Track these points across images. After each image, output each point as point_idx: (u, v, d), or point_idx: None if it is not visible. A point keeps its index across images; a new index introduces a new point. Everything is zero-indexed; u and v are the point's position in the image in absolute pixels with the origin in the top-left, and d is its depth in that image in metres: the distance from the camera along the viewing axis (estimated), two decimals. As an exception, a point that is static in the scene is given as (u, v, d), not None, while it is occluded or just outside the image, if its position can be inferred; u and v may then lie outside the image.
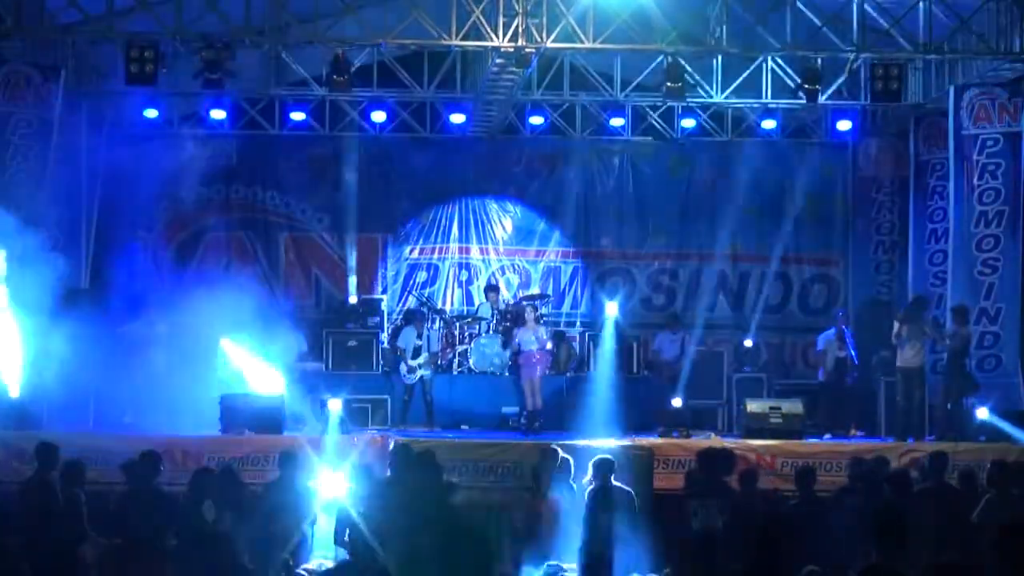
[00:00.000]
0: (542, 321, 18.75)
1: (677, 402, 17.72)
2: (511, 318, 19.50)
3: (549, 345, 18.33)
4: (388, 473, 12.64)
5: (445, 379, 18.88)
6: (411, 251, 21.72)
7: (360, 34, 17.55)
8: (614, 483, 12.68)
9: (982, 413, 16.94)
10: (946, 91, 18.64)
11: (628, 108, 20.84)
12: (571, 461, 13.26)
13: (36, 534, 11.48)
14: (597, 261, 21.98)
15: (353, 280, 21.28)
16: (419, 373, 18.22)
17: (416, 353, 18.30)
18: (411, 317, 19.33)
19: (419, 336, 18.44)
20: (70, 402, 16.50)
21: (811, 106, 19.47)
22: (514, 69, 17.52)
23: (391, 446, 15.20)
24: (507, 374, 18.88)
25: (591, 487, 12.53)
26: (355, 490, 12.03)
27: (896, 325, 17.46)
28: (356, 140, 21.24)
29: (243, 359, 17.82)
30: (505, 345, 18.94)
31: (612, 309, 19.51)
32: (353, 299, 20.54)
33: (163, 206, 21.10)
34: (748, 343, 19.88)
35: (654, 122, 21.30)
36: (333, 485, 12.49)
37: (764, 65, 19.03)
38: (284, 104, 20.58)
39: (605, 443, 16.47)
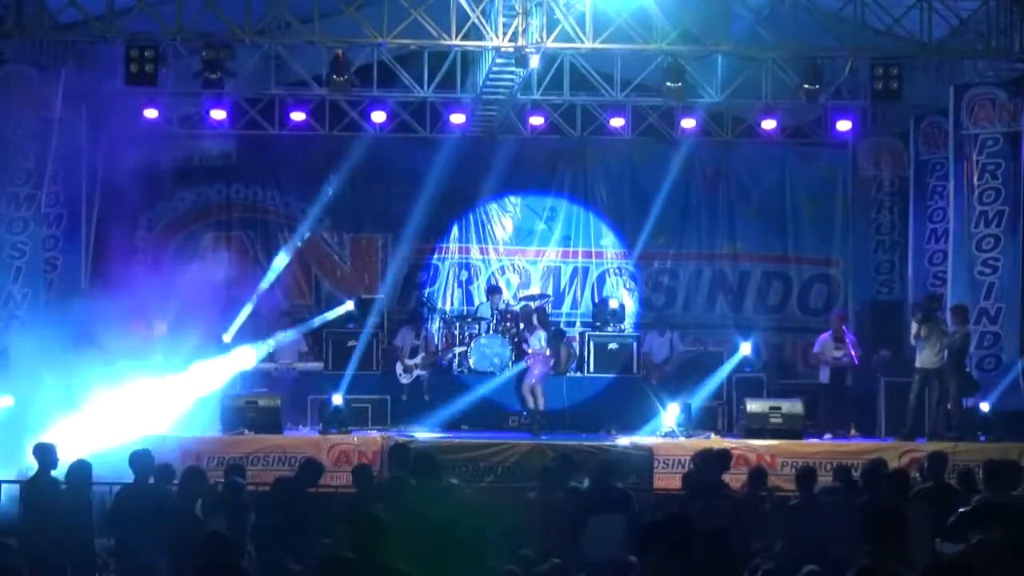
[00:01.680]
0: (547, 322, 18.79)
1: (674, 408, 17.62)
2: (513, 318, 19.51)
3: (547, 351, 18.30)
4: (387, 473, 12.65)
5: (445, 379, 18.89)
6: (411, 251, 21.71)
7: (360, 34, 17.54)
8: (615, 484, 12.68)
9: (985, 407, 16.98)
10: (946, 91, 18.63)
11: (628, 108, 20.83)
12: (575, 461, 13.28)
13: (40, 533, 11.52)
14: (597, 261, 21.98)
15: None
16: (415, 373, 18.23)
17: (414, 353, 18.32)
18: (409, 317, 19.33)
19: (417, 336, 18.45)
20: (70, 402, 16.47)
21: (811, 106, 19.46)
22: (514, 69, 17.52)
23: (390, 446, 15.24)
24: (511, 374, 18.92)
25: (587, 488, 12.51)
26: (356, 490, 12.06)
27: (915, 326, 17.45)
28: (356, 140, 21.22)
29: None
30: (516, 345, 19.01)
31: (746, 348, 19.39)
32: (350, 305, 20.39)
33: (163, 206, 21.11)
34: (747, 349, 19.75)
35: (654, 122, 21.31)
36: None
37: (764, 65, 19.03)
38: (284, 104, 20.57)
39: (605, 443, 16.51)
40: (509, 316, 19.64)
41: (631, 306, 21.53)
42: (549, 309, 20.68)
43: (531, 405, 17.92)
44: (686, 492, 12.87)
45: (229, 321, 19.08)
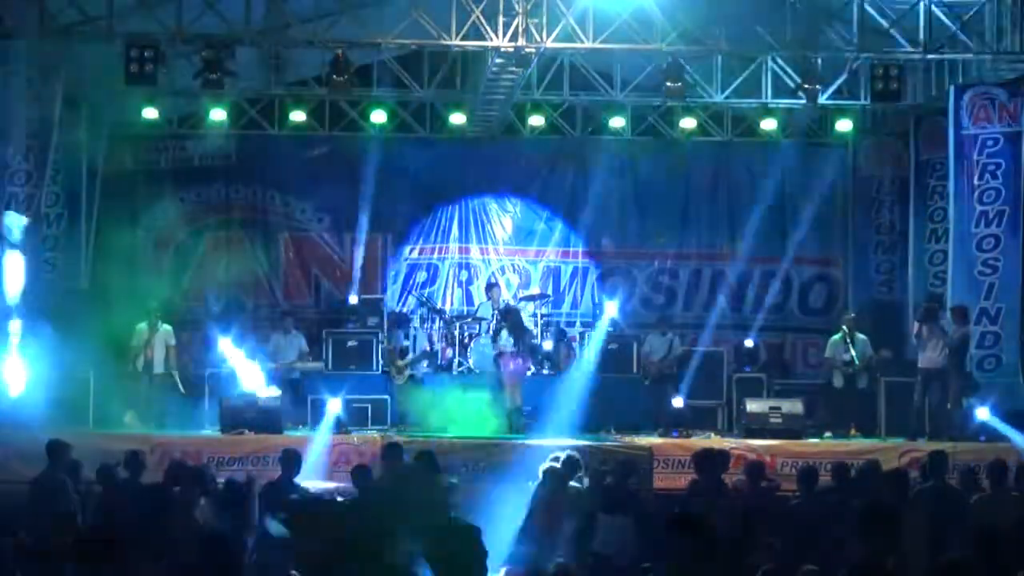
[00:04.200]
0: (521, 325, 18.72)
1: (678, 402, 17.67)
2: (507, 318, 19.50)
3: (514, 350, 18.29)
4: (382, 473, 12.66)
5: (445, 379, 18.87)
6: (411, 251, 21.69)
7: (360, 34, 17.54)
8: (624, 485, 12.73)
9: (982, 413, 16.92)
10: (946, 91, 18.64)
11: (628, 108, 20.83)
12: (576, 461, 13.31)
13: (48, 531, 11.53)
14: (597, 261, 21.97)
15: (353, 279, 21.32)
16: (408, 374, 18.17)
17: (403, 353, 18.26)
18: (397, 318, 19.31)
19: (406, 336, 18.39)
20: (70, 402, 16.49)
21: (811, 106, 19.47)
22: (514, 69, 17.52)
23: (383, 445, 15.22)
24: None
25: (597, 488, 12.53)
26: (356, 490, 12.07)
27: (916, 326, 17.47)
28: (356, 140, 21.22)
29: (239, 360, 17.87)
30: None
31: (612, 309, 19.50)
32: (354, 299, 20.45)
33: (162, 206, 21.09)
34: (749, 343, 19.83)
35: (654, 122, 21.31)
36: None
37: (764, 65, 19.03)
38: (284, 104, 20.57)
39: (604, 443, 16.50)
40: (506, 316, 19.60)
41: (630, 306, 21.50)
42: (548, 309, 20.69)
43: (507, 404, 17.86)
44: (688, 492, 12.88)
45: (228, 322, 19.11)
